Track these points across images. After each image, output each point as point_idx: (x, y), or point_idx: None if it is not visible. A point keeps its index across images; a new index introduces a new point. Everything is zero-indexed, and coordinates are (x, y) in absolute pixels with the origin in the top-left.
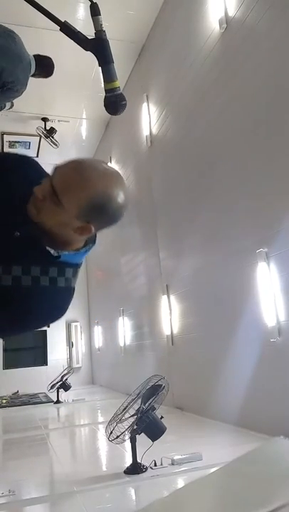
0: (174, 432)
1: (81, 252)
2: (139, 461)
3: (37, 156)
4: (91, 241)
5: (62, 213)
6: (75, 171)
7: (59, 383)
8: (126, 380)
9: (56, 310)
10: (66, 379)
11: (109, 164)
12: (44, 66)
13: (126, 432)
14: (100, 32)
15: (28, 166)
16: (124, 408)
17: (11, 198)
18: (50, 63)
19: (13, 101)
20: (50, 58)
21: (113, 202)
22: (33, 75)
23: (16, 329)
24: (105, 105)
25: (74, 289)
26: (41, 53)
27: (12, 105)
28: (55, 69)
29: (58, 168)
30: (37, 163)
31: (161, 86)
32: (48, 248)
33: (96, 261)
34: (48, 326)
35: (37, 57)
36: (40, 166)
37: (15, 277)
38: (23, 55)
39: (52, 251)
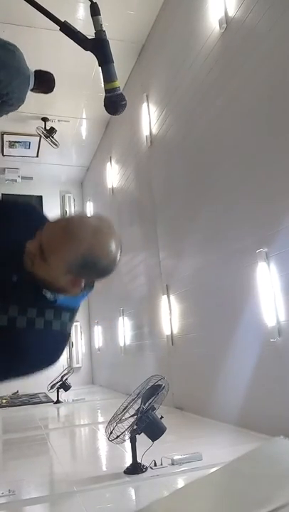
0: (174, 432)
1: (78, 297)
2: (139, 461)
3: (37, 156)
4: (89, 286)
5: (51, 269)
6: (62, 230)
7: (59, 383)
8: (126, 380)
9: (48, 355)
10: (66, 379)
11: (96, 217)
12: (44, 81)
13: (126, 432)
14: (99, 32)
15: (30, 214)
16: (124, 408)
17: (10, 243)
18: (50, 79)
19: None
20: (50, 74)
21: (102, 259)
22: (32, 90)
23: (4, 373)
24: (105, 105)
25: (69, 334)
26: (41, 53)
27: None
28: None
29: (47, 226)
30: (38, 211)
31: (161, 86)
32: (44, 292)
33: None
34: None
35: (37, 72)
36: (42, 213)
37: (11, 318)
38: (22, 69)
39: (48, 295)
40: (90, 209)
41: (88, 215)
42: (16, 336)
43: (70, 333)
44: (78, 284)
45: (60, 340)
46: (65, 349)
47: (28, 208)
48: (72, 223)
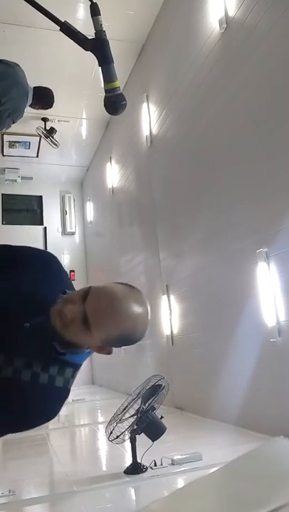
0: (174, 432)
1: (85, 353)
2: (139, 461)
3: (37, 156)
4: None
5: (86, 337)
6: (111, 308)
7: None
8: (126, 380)
9: (48, 412)
10: None
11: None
12: (43, 97)
13: (126, 432)
14: (99, 32)
15: (48, 263)
16: (124, 408)
17: (26, 291)
18: (49, 94)
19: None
20: (49, 90)
21: (137, 336)
22: (31, 106)
23: (5, 425)
24: (105, 105)
25: (69, 391)
26: (41, 53)
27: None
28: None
29: (93, 296)
30: (56, 261)
31: (161, 86)
32: (54, 344)
33: (96, 261)
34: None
35: (36, 88)
36: (60, 265)
37: (16, 369)
38: (21, 82)
39: (58, 347)
40: (90, 209)
41: (126, 288)
42: (19, 389)
43: (70, 389)
44: (106, 353)
45: (61, 397)
46: (63, 406)
47: (47, 257)
48: (119, 302)
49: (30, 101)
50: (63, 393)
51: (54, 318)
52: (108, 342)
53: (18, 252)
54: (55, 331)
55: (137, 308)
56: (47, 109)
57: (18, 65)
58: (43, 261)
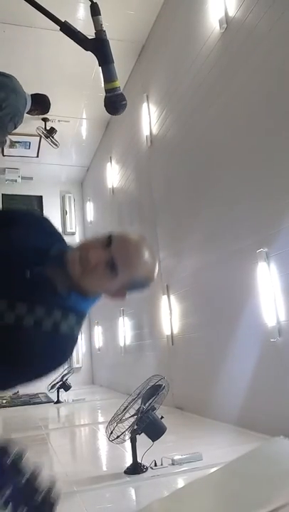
0: (174, 432)
1: (89, 300)
2: (139, 461)
3: (37, 156)
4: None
5: (110, 283)
6: (138, 252)
7: (59, 383)
8: (126, 380)
9: (55, 358)
10: (66, 379)
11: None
12: (40, 102)
13: (126, 432)
14: (100, 32)
15: (41, 222)
16: (125, 408)
17: (23, 241)
18: (45, 100)
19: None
20: (45, 96)
21: (151, 280)
22: (29, 113)
23: (10, 375)
24: (105, 105)
25: (77, 338)
26: (41, 53)
27: (5, 142)
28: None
29: (119, 242)
30: (49, 221)
31: (162, 86)
32: (59, 289)
33: None
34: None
35: (33, 95)
36: (53, 225)
37: (18, 315)
38: (18, 90)
39: (63, 291)
40: (90, 209)
41: (140, 236)
42: (24, 334)
43: (77, 336)
44: (120, 298)
45: (69, 343)
46: (72, 353)
47: (39, 217)
48: (143, 247)
49: (29, 106)
50: (70, 339)
51: (73, 264)
52: (127, 286)
53: (10, 211)
54: (71, 278)
55: (153, 256)
56: (44, 114)
57: (13, 76)
58: (36, 218)
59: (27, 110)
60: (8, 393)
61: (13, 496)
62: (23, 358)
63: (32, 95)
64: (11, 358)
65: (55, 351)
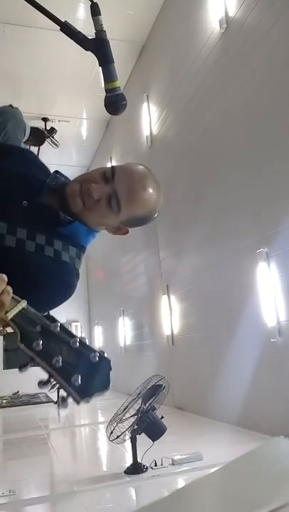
0: (174, 432)
1: (89, 235)
2: (139, 461)
3: None
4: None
5: (112, 217)
6: (143, 187)
7: None
8: (126, 380)
9: (62, 285)
10: None
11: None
12: (37, 136)
13: (126, 432)
14: (100, 32)
15: (28, 153)
16: (125, 408)
17: (19, 172)
18: (42, 135)
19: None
20: (43, 131)
21: (154, 215)
22: (26, 141)
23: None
24: (105, 105)
25: (78, 271)
26: (42, 53)
27: None
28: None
29: (123, 176)
30: (34, 154)
31: (162, 86)
32: (61, 215)
33: (96, 261)
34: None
35: (33, 128)
36: (37, 157)
37: (19, 240)
38: (18, 117)
39: (62, 216)
40: None
41: (145, 168)
42: (26, 257)
43: (78, 269)
44: (121, 233)
45: (72, 273)
46: (74, 288)
47: (28, 151)
48: (148, 181)
49: (27, 136)
50: (73, 269)
51: (73, 199)
52: (130, 222)
53: (3, 145)
54: (72, 212)
55: (158, 190)
56: (39, 145)
57: (17, 108)
58: (25, 150)
59: (25, 139)
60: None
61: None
62: (27, 280)
63: (31, 128)
64: (15, 280)
65: (58, 277)
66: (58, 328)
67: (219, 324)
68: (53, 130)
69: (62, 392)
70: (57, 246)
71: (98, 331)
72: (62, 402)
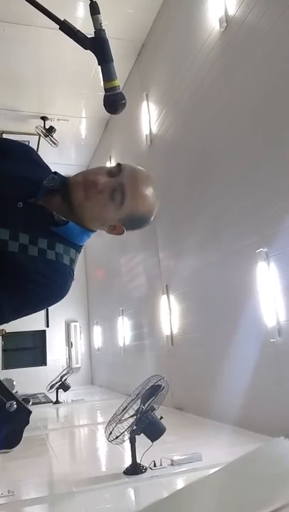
0: (174, 433)
1: (85, 235)
2: (138, 461)
3: None
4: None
5: (112, 211)
6: (148, 183)
7: (58, 383)
8: (125, 380)
9: (59, 288)
10: (65, 379)
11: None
12: None
13: (125, 433)
14: (99, 31)
15: (29, 152)
16: (124, 408)
17: (16, 173)
18: None
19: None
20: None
21: (151, 218)
22: None
23: (15, 305)
24: (105, 104)
25: (69, 269)
26: (41, 52)
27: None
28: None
29: (130, 171)
30: (35, 151)
31: (161, 85)
32: (56, 217)
33: (96, 261)
34: (47, 326)
35: None
36: (38, 155)
37: (22, 245)
38: None
39: (56, 217)
40: None
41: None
42: (30, 262)
43: (70, 268)
44: (116, 232)
45: (70, 274)
46: (66, 286)
47: (27, 146)
48: (152, 179)
49: None
50: (70, 272)
51: (75, 188)
52: (127, 220)
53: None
54: (71, 203)
55: (156, 195)
56: None
57: None
58: (24, 149)
59: None
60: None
61: None
62: (12, 281)
63: None
64: (19, 283)
65: (59, 279)
66: None
67: (219, 324)
68: (51, 129)
69: None
70: (58, 249)
71: (97, 331)
72: None
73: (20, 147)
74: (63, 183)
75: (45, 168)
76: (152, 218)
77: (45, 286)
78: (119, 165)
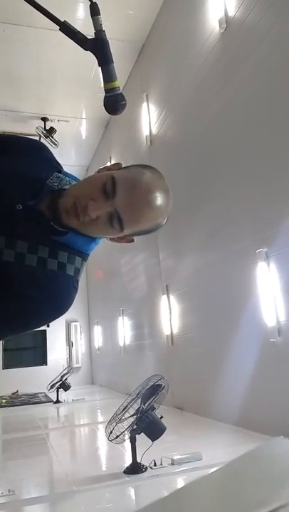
0: (174, 432)
1: (93, 242)
2: (138, 461)
3: None
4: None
5: (115, 233)
6: (148, 205)
7: (59, 383)
8: (126, 379)
9: (62, 301)
10: (66, 379)
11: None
12: None
13: (126, 432)
14: (99, 32)
15: (41, 149)
16: (124, 408)
17: (20, 171)
18: None
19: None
20: None
21: (162, 224)
22: None
23: (12, 321)
24: (105, 105)
25: (72, 278)
26: (41, 53)
27: None
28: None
29: (125, 192)
30: (48, 149)
31: (161, 86)
32: (52, 224)
33: (96, 261)
34: (48, 326)
35: None
36: (51, 153)
37: (18, 253)
38: None
39: (57, 226)
40: None
41: (153, 176)
42: (26, 274)
43: (72, 277)
44: (125, 242)
45: (74, 286)
46: (69, 296)
47: (39, 144)
48: (154, 195)
49: None
50: (74, 283)
51: (66, 216)
52: (135, 234)
53: (8, 138)
54: (66, 226)
55: (166, 199)
56: None
57: None
58: (34, 145)
59: None
60: (8, 392)
61: None
62: (8, 292)
63: None
64: (13, 299)
65: (63, 291)
66: None
67: (219, 324)
68: (52, 130)
69: None
70: (62, 258)
71: (98, 331)
72: None
73: (31, 143)
74: (58, 196)
75: (53, 165)
76: (165, 221)
77: (42, 301)
78: (113, 180)
